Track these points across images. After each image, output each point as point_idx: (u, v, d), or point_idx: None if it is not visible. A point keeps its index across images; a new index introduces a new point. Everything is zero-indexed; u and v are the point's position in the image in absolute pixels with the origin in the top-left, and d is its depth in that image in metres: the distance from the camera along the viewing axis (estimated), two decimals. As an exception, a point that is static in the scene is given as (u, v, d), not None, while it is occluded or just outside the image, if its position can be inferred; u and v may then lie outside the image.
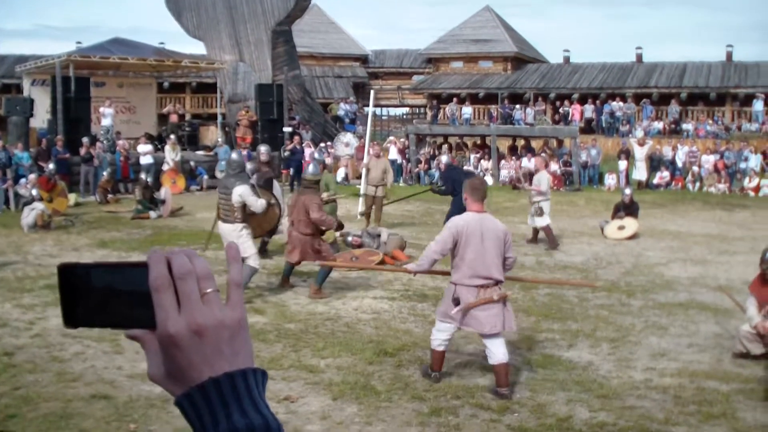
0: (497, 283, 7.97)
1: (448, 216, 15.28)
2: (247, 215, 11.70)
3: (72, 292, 1.05)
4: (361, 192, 20.05)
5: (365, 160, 20.28)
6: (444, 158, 18.85)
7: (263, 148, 16.88)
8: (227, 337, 1.06)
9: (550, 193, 17.95)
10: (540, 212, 17.21)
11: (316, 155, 18.45)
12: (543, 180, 17.69)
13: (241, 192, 11.47)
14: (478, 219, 8.06)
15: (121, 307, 1.05)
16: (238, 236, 11.37)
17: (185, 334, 1.03)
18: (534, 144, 34.81)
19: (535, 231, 17.70)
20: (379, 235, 15.92)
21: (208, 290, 1.06)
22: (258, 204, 11.67)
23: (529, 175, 31.01)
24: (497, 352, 7.95)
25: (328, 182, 17.17)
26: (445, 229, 8.25)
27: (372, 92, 21.09)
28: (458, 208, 14.90)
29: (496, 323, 7.90)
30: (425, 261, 8.35)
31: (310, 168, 14.31)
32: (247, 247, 11.54)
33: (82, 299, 1.05)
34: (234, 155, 12.66)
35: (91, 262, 1.09)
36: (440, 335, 8.29)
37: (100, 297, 1.05)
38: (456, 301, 7.97)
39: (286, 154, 29.14)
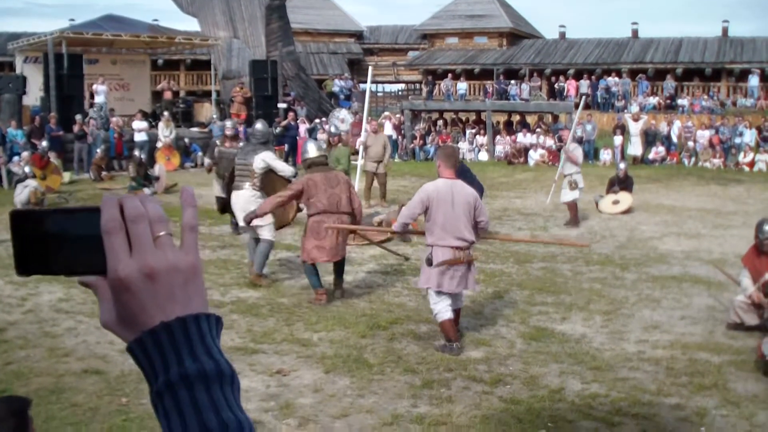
0: (470, 244, 8.50)
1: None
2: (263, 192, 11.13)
3: (24, 239, 1.02)
4: (359, 168, 19.79)
5: (362, 137, 19.72)
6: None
7: (229, 123, 15.70)
8: (181, 282, 1.02)
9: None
10: (574, 185, 16.42)
11: (333, 129, 17.78)
12: (578, 152, 17.01)
13: (264, 156, 11.11)
14: (449, 185, 8.49)
15: (74, 253, 1.02)
16: (254, 203, 10.91)
17: (137, 278, 1.00)
18: (529, 119, 34.75)
19: (573, 208, 16.70)
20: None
21: (161, 233, 1.03)
22: (288, 169, 11.46)
23: (524, 151, 31.08)
24: (452, 307, 8.60)
25: (340, 157, 16.09)
26: (416, 194, 8.70)
27: (370, 69, 20.90)
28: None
29: (460, 283, 8.49)
30: (398, 224, 9.07)
31: (311, 146, 11.00)
32: (264, 220, 10.87)
33: (35, 246, 1.02)
34: (259, 125, 12.05)
35: (44, 208, 1.06)
36: (439, 305, 8.49)
37: (53, 243, 1.02)
38: (428, 261, 8.41)
39: (278, 130, 29.05)
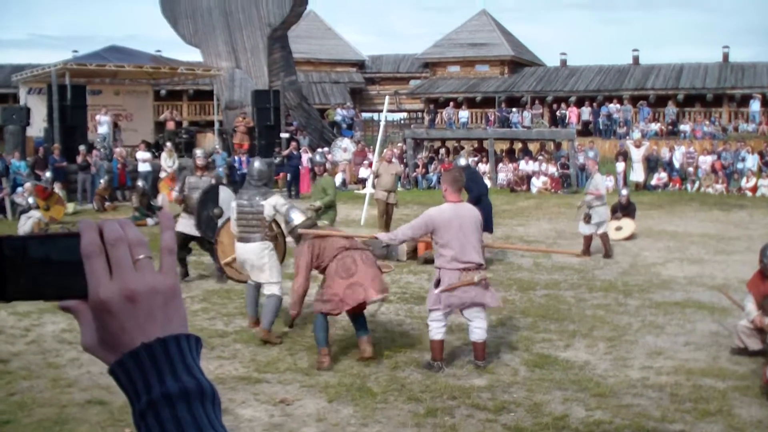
0: (478, 266, 8.59)
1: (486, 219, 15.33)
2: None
3: (3, 266, 1.03)
4: (367, 196, 19.38)
5: (374, 167, 19.42)
6: (461, 161, 17.92)
7: (199, 152, 14.33)
8: (160, 303, 1.05)
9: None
10: (600, 218, 15.98)
11: (317, 158, 16.72)
12: (600, 182, 16.43)
13: (275, 203, 9.74)
14: (453, 208, 8.65)
15: (54, 278, 1.04)
16: (267, 257, 9.91)
17: (117, 300, 1.03)
18: (531, 147, 34.85)
19: (588, 240, 16.01)
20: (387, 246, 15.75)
21: (140, 256, 1.05)
22: (300, 218, 9.28)
23: (527, 178, 31.13)
24: (479, 327, 8.79)
25: (326, 187, 14.56)
26: (420, 217, 8.83)
27: (387, 98, 20.67)
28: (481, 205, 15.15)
29: (476, 297, 8.62)
30: (397, 238, 9.05)
31: (295, 214, 9.71)
32: (275, 271, 9.95)
33: (14, 273, 1.03)
34: (257, 164, 10.42)
35: (22, 234, 1.07)
36: (435, 324, 8.71)
37: (33, 269, 1.03)
38: (436, 284, 8.64)
39: (278, 160, 29.16)
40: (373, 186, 19.04)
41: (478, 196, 14.97)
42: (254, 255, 9.92)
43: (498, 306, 9.28)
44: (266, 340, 9.71)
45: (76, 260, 1.03)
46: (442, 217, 8.52)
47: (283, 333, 10.12)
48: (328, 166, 22.73)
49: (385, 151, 19.97)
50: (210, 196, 12.69)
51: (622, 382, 8.39)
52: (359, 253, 8.88)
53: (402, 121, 52.30)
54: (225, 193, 12.78)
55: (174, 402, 1.01)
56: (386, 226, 17.97)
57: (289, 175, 28.70)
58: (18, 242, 1.04)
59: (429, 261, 14.42)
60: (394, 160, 19.52)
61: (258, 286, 10.25)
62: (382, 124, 19.15)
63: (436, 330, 8.70)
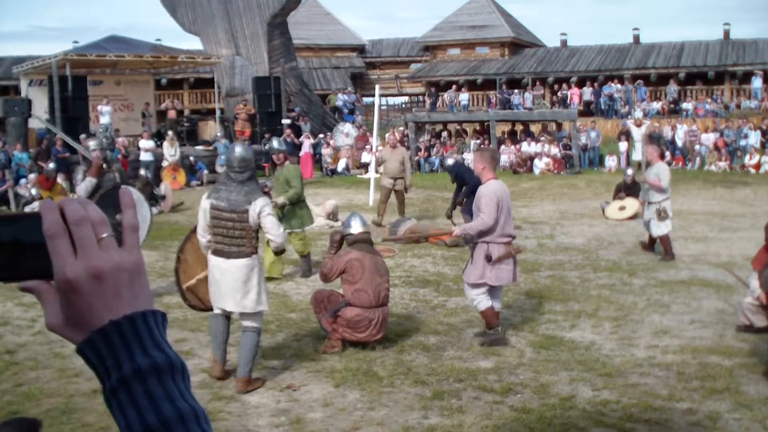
0: (513, 238, 9.17)
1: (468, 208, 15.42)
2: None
3: None
4: (372, 182, 19.07)
5: (378, 154, 18.90)
6: (450, 161, 17.90)
7: (92, 143, 11.65)
8: (126, 281, 1.05)
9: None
10: (664, 215, 13.88)
11: (275, 144, 13.32)
12: (663, 173, 14.12)
13: (262, 206, 7.72)
14: (498, 184, 9.05)
15: (14, 260, 1.04)
16: (256, 277, 7.83)
17: (84, 279, 1.03)
18: (533, 128, 34.79)
19: (666, 242, 14.00)
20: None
21: (104, 235, 1.05)
22: (280, 236, 7.96)
23: (529, 160, 31.09)
24: (495, 300, 9.16)
25: (290, 178, 12.39)
26: (485, 198, 8.85)
27: (377, 87, 20.40)
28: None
29: (510, 277, 9.08)
30: (473, 228, 8.96)
31: (356, 221, 9.45)
32: (263, 297, 7.93)
33: None
34: (239, 149, 8.08)
35: None
36: (481, 296, 8.98)
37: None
38: (488, 258, 8.84)
39: (267, 147, 29.15)
40: (377, 172, 18.69)
41: (475, 186, 15.12)
42: (239, 275, 7.67)
43: (518, 281, 10.06)
44: (249, 389, 7.68)
45: (36, 241, 1.03)
46: (501, 193, 8.92)
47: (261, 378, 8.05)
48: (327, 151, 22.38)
49: (388, 136, 19.58)
50: (108, 200, 9.67)
51: (629, 361, 8.38)
52: (379, 311, 8.91)
53: (403, 105, 52.20)
54: (136, 201, 10.83)
55: (145, 377, 1.02)
56: (400, 213, 17.68)
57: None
58: None
59: (456, 245, 14.53)
60: (398, 145, 19.03)
61: (227, 317, 8.00)
62: (376, 111, 18.83)
63: (483, 299, 8.96)
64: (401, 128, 34.79)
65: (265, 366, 8.45)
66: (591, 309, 10.53)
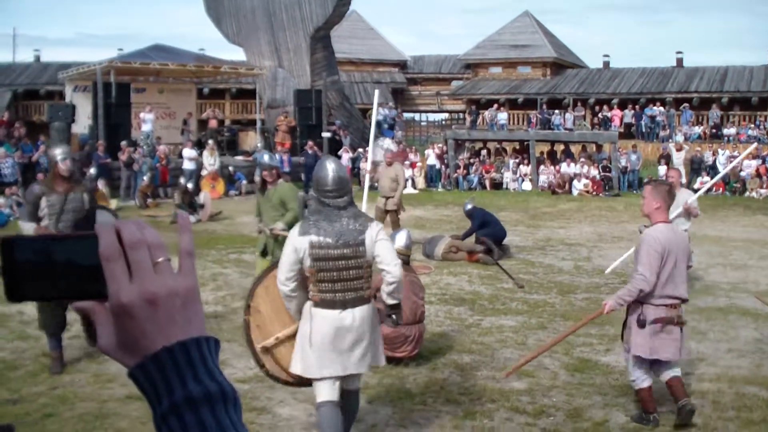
0: (683, 302, 7.21)
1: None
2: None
3: (15, 266, 1.03)
4: (364, 200, 17.96)
5: (368, 168, 17.84)
6: (469, 206, 16.90)
7: (60, 151, 8.87)
8: (180, 306, 1.05)
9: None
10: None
11: (266, 159, 11.04)
12: (694, 199, 13.51)
13: (378, 231, 6.09)
14: (671, 230, 7.22)
15: (68, 279, 1.04)
16: (376, 327, 6.38)
17: (138, 303, 1.03)
18: (573, 149, 34.65)
19: None
20: None
21: (160, 259, 1.05)
22: (398, 262, 6.24)
23: (568, 180, 30.94)
24: (669, 371, 7.28)
25: (287, 199, 10.19)
26: (646, 247, 7.00)
27: (377, 93, 19.18)
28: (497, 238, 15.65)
29: (675, 350, 7.14)
30: (630, 293, 7.04)
31: (401, 236, 9.77)
32: (380, 351, 6.48)
33: (27, 273, 1.03)
34: (331, 166, 6.20)
35: (36, 235, 1.07)
36: (639, 372, 7.27)
37: (47, 270, 1.03)
38: (641, 323, 7.02)
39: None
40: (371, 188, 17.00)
41: (498, 235, 16.04)
42: (364, 328, 6.11)
43: (687, 357, 7.90)
44: None
45: (92, 262, 1.03)
46: (669, 243, 6.98)
47: None
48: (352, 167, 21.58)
49: (384, 152, 18.94)
50: (87, 227, 7.85)
51: (663, 388, 8.28)
52: (416, 329, 8.88)
53: (443, 122, 52.24)
54: (104, 218, 9.00)
55: (197, 406, 1.01)
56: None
57: (303, 176, 28.92)
58: (26, 243, 1.04)
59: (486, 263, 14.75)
60: (394, 162, 17.86)
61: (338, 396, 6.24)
62: (373, 121, 17.87)
63: (642, 377, 7.23)
64: (440, 144, 34.80)
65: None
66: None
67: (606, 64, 50.50)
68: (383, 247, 6.06)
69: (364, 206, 17.26)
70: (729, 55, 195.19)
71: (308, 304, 6.10)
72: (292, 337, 6.34)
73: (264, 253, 10.26)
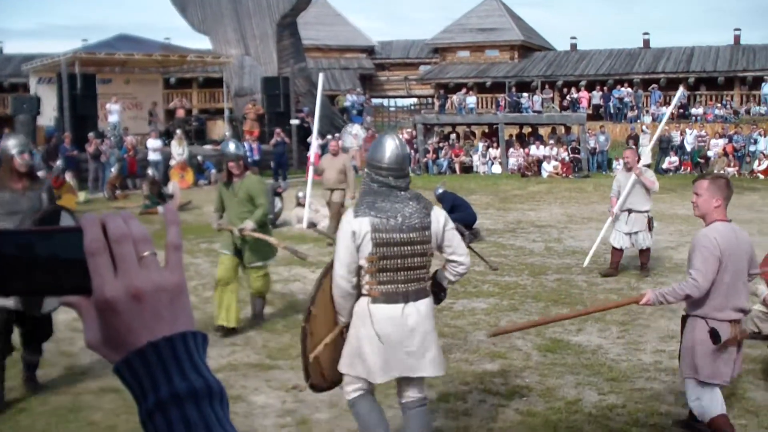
0: (745, 313, 6.33)
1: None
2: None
3: (3, 259, 1.01)
4: (307, 199, 17.07)
5: (312, 159, 17.16)
6: (440, 189, 16.63)
7: (15, 142, 7.54)
8: (166, 301, 1.03)
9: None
10: (650, 226, 12.91)
11: (231, 148, 9.64)
12: (653, 175, 13.16)
13: (445, 216, 5.59)
14: (731, 231, 6.24)
15: (54, 274, 1.02)
16: (434, 324, 5.68)
17: (123, 299, 1.01)
18: (541, 131, 34.79)
19: (618, 255, 12.93)
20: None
21: (146, 253, 1.03)
22: (467, 252, 5.78)
23: (538, 163, 31.07)
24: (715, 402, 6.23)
25: (255, 194, 9.43)
26: (701, 250, 6.11)
27: (321, 75, 18.35)
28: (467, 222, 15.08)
29: (729, 372, 6.23)
30: (677, 294, 6.27)
31: None
32: (440, 355, 5.72)
33: (13, 267, 1.01)
34: (393, 143, 5.56)
35: (21, 228, 1.05)
36: (705, 396, 6.24)
37: (33, 264, 1.01)
38: (715, 336, 6.04)
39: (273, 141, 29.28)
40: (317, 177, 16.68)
41: (468, 221, 15.84)
42: (426, 324, 5.47)
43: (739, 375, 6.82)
44: None
45: (77, 256, 1.01)
46: (729, 244, 6.07)
47: None
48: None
49: (329, 141, 18.18)
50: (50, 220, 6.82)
51: (635, 366, 8.37)
52: None
53: (412, 107, 52.23)
54: (68, 222, 6.83)
55: (182, 402, 1.00)
56: (334, 230, 14.96)
57: (273, 163, 28.86)
58: (11, 237, 1.02)
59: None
60: (340, 152, 16.81)
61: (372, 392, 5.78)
62: (318, 104, 17.29)
63: (713, 405, 6.18)
64: (409, 129, 34.81)
65: (271, 366, 8.45)
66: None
67: (573, 47, 50.70)
68: (454, 236, 5.53)
69: (307, 199, 16.95)
70: (695, 36, 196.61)
71: (363, 301, 5.38)
72: (335, 340, 5.67)
73: (236, 253, 9.56)
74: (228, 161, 9.55)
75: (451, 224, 5.55)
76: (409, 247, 5.31)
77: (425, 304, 5.43)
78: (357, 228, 5.26)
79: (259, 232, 9.43)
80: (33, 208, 7.36)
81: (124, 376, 1.02)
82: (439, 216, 5.47)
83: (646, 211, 12.79)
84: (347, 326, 5.57)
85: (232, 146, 9.76)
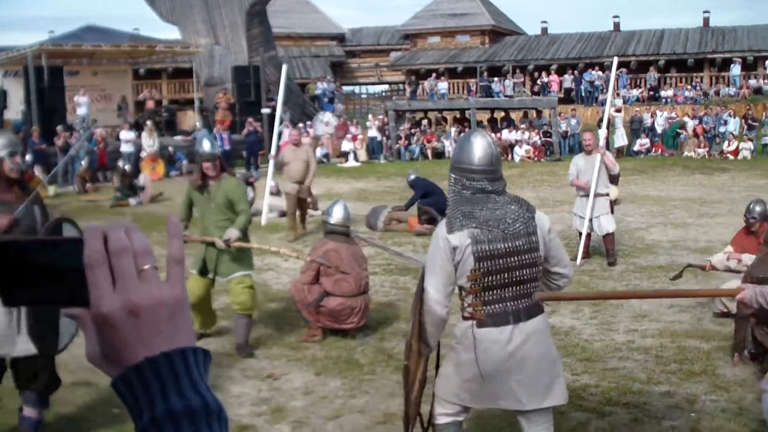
0: None
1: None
2: None
3: (6, 270, 0.99)
4: (266, 192, 16.40)
5: (272, 151, 16.29)
6: (411, 176, 16.51)
7: (1, 142, 6.10)
8: (166, 316, 1.02)
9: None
10: (613, 209, 12.78)
11: (206, 147, 8.37)
12: (613, 159, 12.92)
13: (549, 227, 4.85)
14: None
15: (57, 284, 1.00)
16: (552, 342, 5.07)
17: (120, 314, 0.99)
18: (513, 116, 34.86)
19: (587, 239, 12.61)
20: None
21: (146, 267, 1.01)
22: (570, 263, 5.25)
23: (510, 147, 31.12)
24: None
25: (236, 198, 8.25)
26: None
27: (284, 67, 17.95)
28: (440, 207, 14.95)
29: None
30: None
31: (338, 208, 9.29)
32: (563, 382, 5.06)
33: (18, 276, 0.99)
34: (482, 141, 4.87)
35: (25, 237, 1.03)
36: None
37: (37, 274, 1.00)
38: None
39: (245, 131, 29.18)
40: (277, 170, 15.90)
41: (441, 206, 15.48)
42: (543, 346, 4.78)
43: None
44: None
45: (79, 267, 0.99)
46: None
47: None
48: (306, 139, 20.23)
49: (289, 131, 17.95)
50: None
51: (608, 346, 8.43)
52: (361, 299, 8.94)
53: (383, 94, 52.17)
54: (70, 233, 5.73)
55: (178, 420, 0.98)
56: (301, 221, 15.20)
57: (245, 152, 28.79)
58: (16, 246, 1.01)
59: (422, 234, 14.62)
60: (301, 142, 15.54)
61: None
62: (280, 94, 16.45)
63: None
64: (380, 116, 34.78)
65: (245, 355, 8.43)
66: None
67: (544, 30, 50.79)
68: (559, 245, 4.92)
69: (266, 193, 16.32)
70: (665, 19, 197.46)
71: (464, 325, 4.73)
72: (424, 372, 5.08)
73: (203, 272, 8.39)
74: (203, 161, 8.29)
75: (554, 232, 4.88)
76: (516, 258, 4.59)
77: (539, 322, 4.70)
78: (458, 243, 4.56)
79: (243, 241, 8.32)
80: (25, 230, 5.96)
81: (120, 391, 1.00)
82: (544, 221, 4.80)
83: (608, 194, 12.58)
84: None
85: (207, 144, 8.48)
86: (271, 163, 15.79)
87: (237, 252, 8.28)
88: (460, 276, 4.62)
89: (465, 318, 4.71)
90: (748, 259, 8.85)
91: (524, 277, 4.63)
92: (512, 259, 4.58)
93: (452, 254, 4.56)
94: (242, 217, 8.16)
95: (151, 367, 0.99)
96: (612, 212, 12.60)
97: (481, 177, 4.70)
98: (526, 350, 4.60)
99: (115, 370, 1.01)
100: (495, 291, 4.59)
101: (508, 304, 4.61)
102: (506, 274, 4.58)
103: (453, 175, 4.80)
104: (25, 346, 5.87)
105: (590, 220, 12.38)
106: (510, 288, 4.60)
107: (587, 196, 12.33)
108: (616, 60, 14.40)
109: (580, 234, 12.58)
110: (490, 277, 4.57)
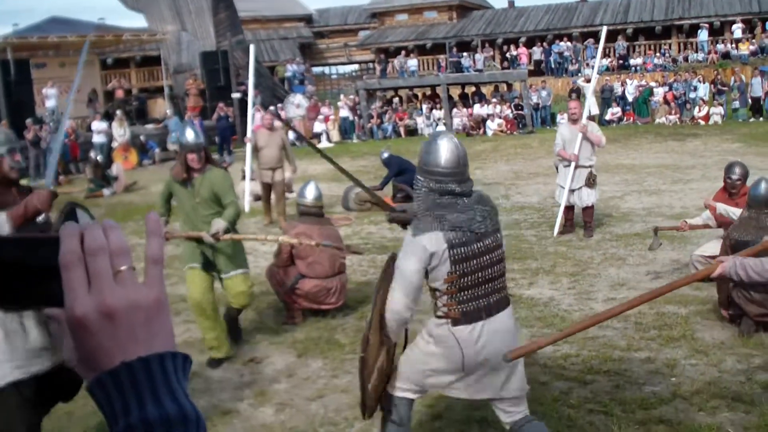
0: None
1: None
2: None
3: None
4: (247, 175, 16.22)
5: (248, 135, 15.93)
6: (385, 154, 16.62)
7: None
8: (142, 320, 0.98)
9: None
10: (594, 181, 12.41)
11: (190, 138, 7.48)
12: (598, 130, 12.81)
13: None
14: None
15: (34, 285, 0.98)
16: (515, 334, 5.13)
17: (94, 317, 0.96)
18: (484, 90, 34.88)
19: (570, 212, 12.64)
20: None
21: (122, 268, 0.98)
22: None
23: (482, 121, 31.16)
24: None
25: (220, 191, 7.57)
26: None
27: (252, 47, 17.39)
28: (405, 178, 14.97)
29: None
30: (763, 270, 4.92)
31: (311, 188, 9.35)
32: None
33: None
34: (448, 144, 4.79)
35: (3, 236, 1.01)
36: None
37: (13, 273, 0.97)
38: None
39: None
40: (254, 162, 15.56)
41: (399, 171, 16.04)
42: (509, 335, 4.89)
43: None
44: None
45: (55, 267, 0.96)
46: None
47: None
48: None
49: (261, 115, 17.16)
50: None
51: (587, 315, 8.46)
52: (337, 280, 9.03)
53: (354, 74, 51.98)
54: (84, 220, 3.07)
55: (153, 429, 0.94)
56: (281, 213, 14.49)
57: (218, 138, 28.66)
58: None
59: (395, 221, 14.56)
60: (274, 126, 14.72)
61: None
62: (250, 76, 16.50)
63: None
64: (351, 96, 34.70)
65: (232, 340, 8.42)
66: (548, 266, 10.62)
67: (511, 4, 50.71)
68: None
69: (247, 178, 16.33)
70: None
71: (437, 322, 4.80)
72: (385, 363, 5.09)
73: (207, 266, 7.81)
74: (187, 152, 7.55)
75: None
76: (487, 257, 4.71)
77: (508, 314, 4.88)
78: (435, 249, 4.57)
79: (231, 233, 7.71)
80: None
81: (96, 396, 0.97)
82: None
83: (590, 167, 12.37)
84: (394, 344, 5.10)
85: (190, 134, 7.63)
86: (248, 146, 15.57)
87: (232, 248, 7.82)
88: (435, 279, 4.68)
89: (439, 317, 4.79)
90: (723, 210, 8.94)
91: (495, 273, 4.77)
92: (484, 258, 4.70)
93: (429, 260, 4.60)
94: (231, 209, 7.54)
95: (128, 373, 0.95)
96: (593, 185, 12.31)
97: (449, 179, 4.70)
98: (492, 347, 4.71)
99: (92, 374, 0.97)
100: (469, 291, 4.69)
101: (481, 301, 4.72)
102: (480, 273, 4.69)
103: (421, 178, 4.80)
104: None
105: (571, 191, 12.27)
106: (482, 286, 4.72)
107: (568, 166, 12.28)
108: (605, 29, 14.27)
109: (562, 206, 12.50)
110: (465, 278, 4.65)
